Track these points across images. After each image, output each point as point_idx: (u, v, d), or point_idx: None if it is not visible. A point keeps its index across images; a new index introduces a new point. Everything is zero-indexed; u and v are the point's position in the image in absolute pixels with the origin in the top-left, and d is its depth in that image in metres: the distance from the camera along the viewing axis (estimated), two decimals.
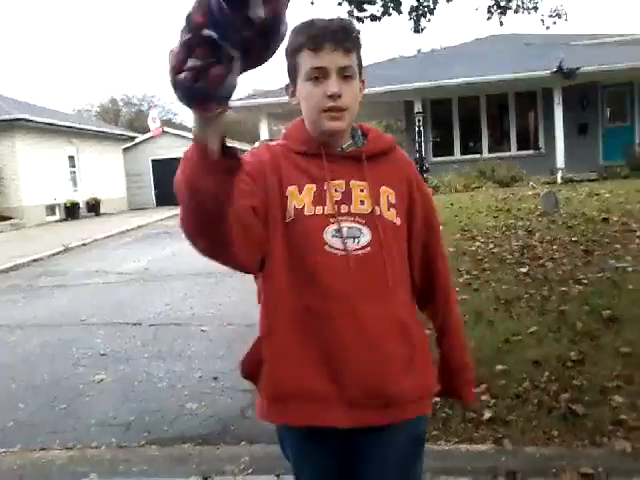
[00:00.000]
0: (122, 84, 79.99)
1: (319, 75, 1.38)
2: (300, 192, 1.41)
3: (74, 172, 21.90)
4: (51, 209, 19.97)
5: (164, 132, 28.23)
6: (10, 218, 17.70)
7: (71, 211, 20.51)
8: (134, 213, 22.68)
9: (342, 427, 1.39)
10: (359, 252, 1.39)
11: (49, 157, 20.06)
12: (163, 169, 27.34)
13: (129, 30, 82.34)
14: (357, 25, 1.45)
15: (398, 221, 1.45)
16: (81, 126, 22.72)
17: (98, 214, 21.97)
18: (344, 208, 1.40)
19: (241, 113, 29.32)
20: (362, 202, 1.41)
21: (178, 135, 28.82)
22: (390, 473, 1.45)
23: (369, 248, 1.39)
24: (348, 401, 1.38)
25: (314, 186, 1.41)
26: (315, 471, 1.52)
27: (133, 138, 27.83)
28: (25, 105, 21.80)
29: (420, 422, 1.50)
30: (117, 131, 27.14)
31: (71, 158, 21.75)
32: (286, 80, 1.49)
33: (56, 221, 19.83)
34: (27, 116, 18.66)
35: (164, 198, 27.00)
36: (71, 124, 21.84)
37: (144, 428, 3.55)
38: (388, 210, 1.44)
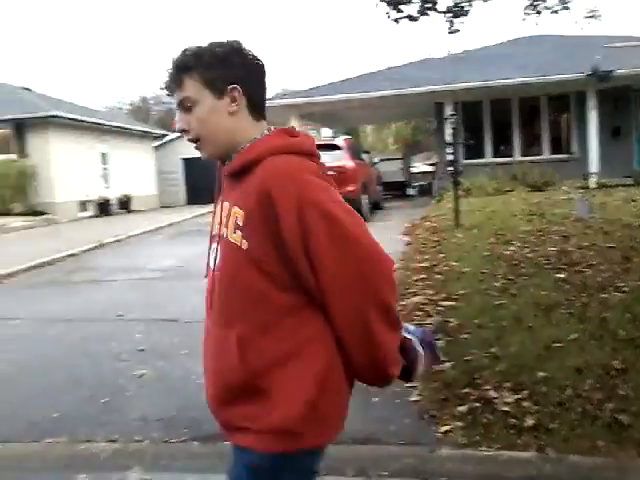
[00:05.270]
0: (152, 83, 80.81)
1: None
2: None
3: (106, 169, 22.18)
4: (83, 205, 20.26)
5: None
6: (44, 213, 18.01)
7: (103, 207, 20.80)
8: (165, 210, 22.90)
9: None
10: (217, 273, 1.45)
11: (82, 154, 20.34)
12: (194, 168, 27.49)
13: (160, 29, 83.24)
14: (189, 46, 1.41)
15: (245, 244, 1.34)
16: (113, 124, 23.00)
17: (129, 211, 22.25)
18: (222, 229, 1.44)
19: (270, 113, 29.51)
20: (225, 224, 1.43)
21: None
22: None
23: (218, 271, 1.45)
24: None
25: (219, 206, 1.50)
26: None
27: (164, 136, 28.06)
28: (59, 102, 22.12)
29: (243, 453, 1.40)
30: (148, 129, 27.39)
31: (103, 155, 22.05)
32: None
33: (89, 217, 20.13)
34: (61, 113, 18.91)
35: (195, 196, 27.09)
36: (104, 122, 22.11)
37: (185, 424, 3.58)
38: (234, 233, 1.37)
